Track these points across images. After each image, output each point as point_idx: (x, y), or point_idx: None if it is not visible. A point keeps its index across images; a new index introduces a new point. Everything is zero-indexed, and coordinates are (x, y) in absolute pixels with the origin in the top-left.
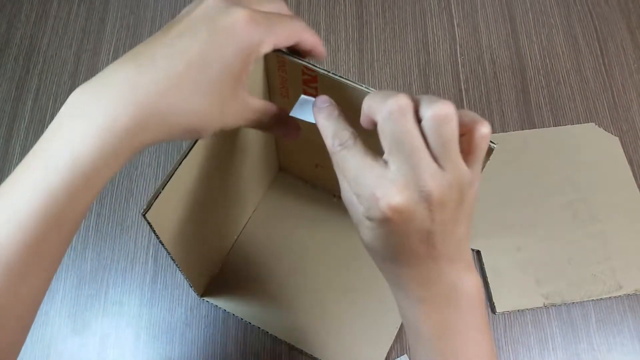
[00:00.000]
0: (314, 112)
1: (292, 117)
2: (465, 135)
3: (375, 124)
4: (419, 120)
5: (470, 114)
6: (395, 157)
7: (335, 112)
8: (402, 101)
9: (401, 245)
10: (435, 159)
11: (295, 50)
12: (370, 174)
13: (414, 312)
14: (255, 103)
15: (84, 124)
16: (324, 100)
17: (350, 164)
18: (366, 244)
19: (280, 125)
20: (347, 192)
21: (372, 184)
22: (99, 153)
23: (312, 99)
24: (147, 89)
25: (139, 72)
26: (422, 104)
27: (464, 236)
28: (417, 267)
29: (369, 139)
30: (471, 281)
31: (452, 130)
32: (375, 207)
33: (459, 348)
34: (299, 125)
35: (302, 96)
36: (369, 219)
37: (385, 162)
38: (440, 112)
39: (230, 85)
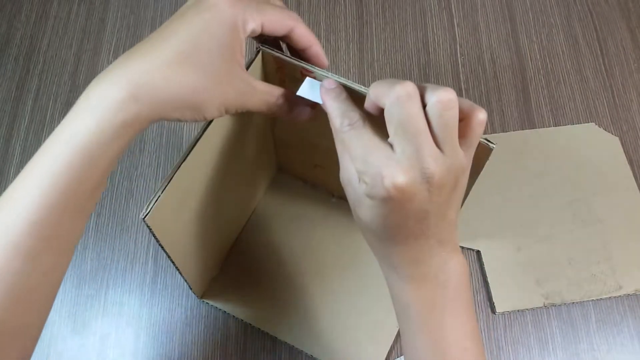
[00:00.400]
0: (322, 92)
1: (300, 97)
2: (463, 120)
3: (380, 110)
4: (423, 106)
5: (467, 102)
6: (400, 139)
7: (344, 94)
8: (409, 87)
9: (398, 225)
10: (436, 143)
11: (292, 49)
12: (378, 154)
13: (403, 289)
14: (259, 84)
15: (82, 111)
16: (331, 82)
17: (359, 144)
18: (364, 223)
19: (289, 107)
20: (348, 171)
21: (379, 163)
22: (95, 127)
23: (319, 81)
24: (139, 67)
25: (133, 57)
26: (427, 90)
27: (453, 219)
28: (409, 246)
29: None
30: (458, 262)
31: (454, 116)
32: (380, 185)
33: (444, 324)
34: (308, 101)
35: (308, 78)
36: (371, 197)
37: (391, 145)
38: (444, 97)
39: (224, 61)
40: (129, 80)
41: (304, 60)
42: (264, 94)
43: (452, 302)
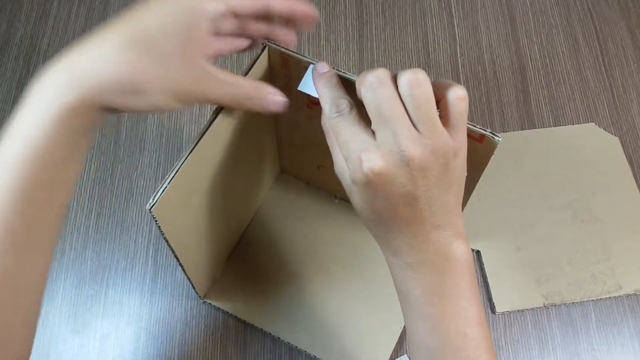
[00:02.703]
0: (314, 76)
1: (273, 90)
2: (442, 99)
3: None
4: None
5: (446, 81)
6: (378, 124)
7: (334, 79)
8: (380, 73)
9: (387, 209)
10: (414, 125)
11: (283, 24)
12: (359, 139)
13: (403, 276)
14: (221, 73)
15: (26, 102)
16: (323, 66)
17: (344, 130)
18: (358, 211)
19: (263, 102)
20: (339, 158)
21: (358, 148)
22: (35, 114)
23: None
24: (82, 52)
25: (80, 45)
26: (398, 74)
27: (453, 205)
28: (403, 232)
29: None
30: (460, 249)
31: (425, 94)
32: (359, 170)
33: (443, 311)
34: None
35: (309, 68)
36: (355, 183)
37: (373, 132)
38: (411, 77)
39: (177, 46)
40: (70, 65)
41: (295, 27)
42: (227, 85)
43: (450, 289)
